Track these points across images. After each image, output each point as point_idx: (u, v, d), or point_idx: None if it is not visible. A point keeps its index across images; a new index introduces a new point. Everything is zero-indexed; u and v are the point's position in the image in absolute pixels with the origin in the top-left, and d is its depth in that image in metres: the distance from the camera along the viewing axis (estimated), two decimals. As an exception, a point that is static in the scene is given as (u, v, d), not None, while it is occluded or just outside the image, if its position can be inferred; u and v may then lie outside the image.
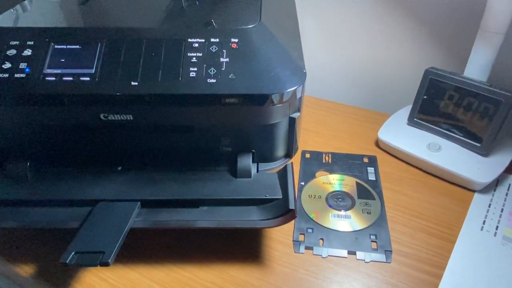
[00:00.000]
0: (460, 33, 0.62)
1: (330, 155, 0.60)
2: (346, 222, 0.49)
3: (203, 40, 0.42)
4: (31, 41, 0.41)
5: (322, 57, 0.77)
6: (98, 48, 0.41)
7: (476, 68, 0.55)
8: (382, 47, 0.70)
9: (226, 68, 0.40)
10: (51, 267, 0.44)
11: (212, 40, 0.42)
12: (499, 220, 0.49)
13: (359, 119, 0.69)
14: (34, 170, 0.45)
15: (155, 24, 0.45)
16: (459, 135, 0.57)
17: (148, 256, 0.45)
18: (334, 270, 0.44)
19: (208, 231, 0.48)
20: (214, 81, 0.40)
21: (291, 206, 0.39)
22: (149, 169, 0.46)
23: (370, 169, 0.57)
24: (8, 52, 0.41)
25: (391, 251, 0.45)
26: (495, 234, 0.47)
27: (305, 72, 0.43)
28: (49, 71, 0.40)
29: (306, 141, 0.63)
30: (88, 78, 0.40)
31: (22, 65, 0.40)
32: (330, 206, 0.51)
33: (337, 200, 0.52)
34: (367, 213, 0.50)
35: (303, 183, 0.55)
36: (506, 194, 0.53)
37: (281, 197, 0.42)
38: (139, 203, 0.41)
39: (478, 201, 0.52)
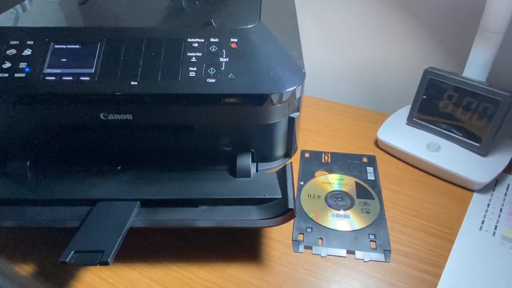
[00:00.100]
0: (460, 33, 0.62)
1: (329, 154, 0.60)
2: (345, 221, 0.49)
3: (203, 40, 0.42)
4: (31, 40, 0.41)
5: (321, 56, 0.77)
6: (98, 48, 0.41)
7: (476, 68, 0.55)
8: (382, 47, 0.70)
9: (225, 68, 0.40)
10: (51, 266, 0.44)
11: (212, 40, 0.42)
12: (498, 220, 0.49)
13: (359, 118, 0.69)
14: (34, 169, 0.45)
15: (155, 24, 0.45)
16: (458, 135, 0.57)
17: (147, 255, 0.45)
18: (333, 270, 0.44)
19: (207, 231, 0.48)
20: (214, 81, 0.40)
21: (290, 206, 0.39)
22: (148, 168, 0.46)
23: (369, 169, 0.57)
24: (8, 52, 0.41)
25: (390, 250, 0.45)
26: (494, 234, 0.48)
27: (305, 72, 0.44)
28: (49, 70, 0.40)
29: (306, 141, 0.63)
30: (88, 78, 0.40)
31: (22, 65, 0.40)
32: (329, 205, 0.51)
33: (336, 200, 0.52)
34: (366, 212, 0.50)
35: (302, 183, 0.55)
36: (505, 194, 0.53)
37: (280, 196, 0.42)
38: (138, 202, 0.41)
39: (477, 201, 0.52)
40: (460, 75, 0.56)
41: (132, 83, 0.40)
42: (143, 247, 0.46)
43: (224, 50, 0.41)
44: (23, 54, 0.41)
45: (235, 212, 0.41)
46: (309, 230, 0.48)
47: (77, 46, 0.41)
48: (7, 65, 0.40)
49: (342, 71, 0.77)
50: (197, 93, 0.40)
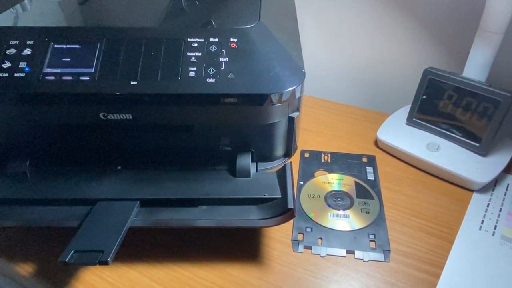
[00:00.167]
0: (460, 33, 0.62)
1: (329, 154, 0.60)
2: (345, 221, 0.49)
3: (203, 40, 0.42)
4: (31, 40, 0.41)
5: (321, 56, 0.77)
6: (98, 48, 0.41)
7: (475, 68, 0.55)
8: (382, 47, 0.70)
9: (225, 68, 0.40)
10: (51, 266, 0.44)
11: (212, 39, 0.42)
12: (497, 220, 0.49)
13: (358, 118, 0.69)
14: (34, 169, 0.45)
15: (155, 23, 0.45)
16: (458, 135, 0.57)
17: (147, 255, 0.45)
18: (333, 269, 0.44)
19: (207, 230, 0.48)
20: (213, 80, 0.40)
21: (290, 206, 0.39)
22: (148, 168, 0.46)
23: (369, 169, 0.57)
24: (8, 51, 0.41)
25: (389, 250, 0.45)
26: (493, 234, 0.48)
27: (304, 72, 0.44)
28: (48, 70, 0.40)
29: (305, 141, 0.63)
30: (87, 78, 0.40)
31: (22, 64, 0.40)
32: (329, 205, 0.51)
33: (336, 200, 0.52)
34: (366, 212, 0.50)
35: (302, 183, 0.55)
36: (505, 194, 0.53)
37: (280, 196, 0.42)
38: (138, 202, 0.41)
39: (477, 200, 0.52)
40: (460, 75, 0.56)
41: (132, 83, 0.40)
42: (143, 246, 0.46)
43: (224, 50, 0.41)
44: (23, 53, 0.41)
45: (235, 212, 0.41)
46: (308, 230, 0.48)
47: (77, 46, 0.41)
48: (7, 64, 0.40)
49: (342, 71, 0.77)
50: (197, 93, 0.40)
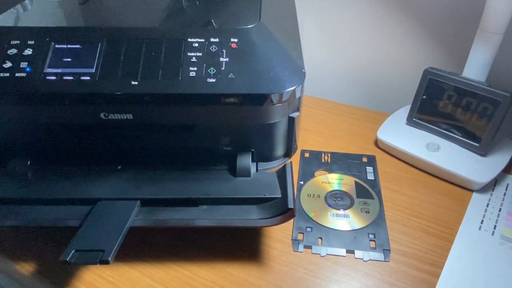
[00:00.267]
0: (459, 33, 0.63)
1: (329, 154, 0.60)
2: (345, 221, 0.49)
3: (203, 40, 0.42)
4: (31, 40, 0.42)
5: (321, 56, 0.77)
6: (99, 48, 0.41)
7: (475, 68, 0.55)
8: (382, 47, 0.71)
9: (225, 68, 0.41)
10: (52, 265, 0.44)
11: (212, 40, 0.42)
12: (497, 220, 0.49)
13: (359, 118, 0.69)
14: (35, 168, 0.45)
15: (155, 23, 0.45)
16: (458, 135, 0.57)
17: (148, 254, 0.45)
18: (333, 269, 0.44)
19: (207, 230, 0.48)
20: (214, 80, 0.40)
21: (290, 205, 0.39)
22: (149, 168, 0.46)
23: (369, 169, 0.57)
24: (9, 51, 0.41)
25: (389, 250, 0.46)
26: (493, 234, 0.48)
27: (304, 72, 0.44)
28: (49, 70, 0.40)
29: (306, 141, 0.63)
30: (88, 78, 0.40)
31: (23, 64, 0.41)
32: (329, 205, 0.51)
33: (336, 199, 0.52)
34: (366, 212, 0.50)
35: (302, 183, 0.55)
36: (504, 194, 0.53)
37: (280, 196, 0.42)
38: (139, 201, 0.42)
39: (477, 200, 0.52)
40: (460, 75, 0.56)
41: (133, 82, 0.40)
42: (143, 246, 0.46)
43: (224, 50, 0.41)
44: (24, 53, 0.41)
45: (235, 211, 0.42)
46: (308, 229, 0.48)
47: (78, 46, 0.42)
48: (8, 64, 0.40)
49: (342, 71, 0.77)
50: (198, 93, 0.40)
